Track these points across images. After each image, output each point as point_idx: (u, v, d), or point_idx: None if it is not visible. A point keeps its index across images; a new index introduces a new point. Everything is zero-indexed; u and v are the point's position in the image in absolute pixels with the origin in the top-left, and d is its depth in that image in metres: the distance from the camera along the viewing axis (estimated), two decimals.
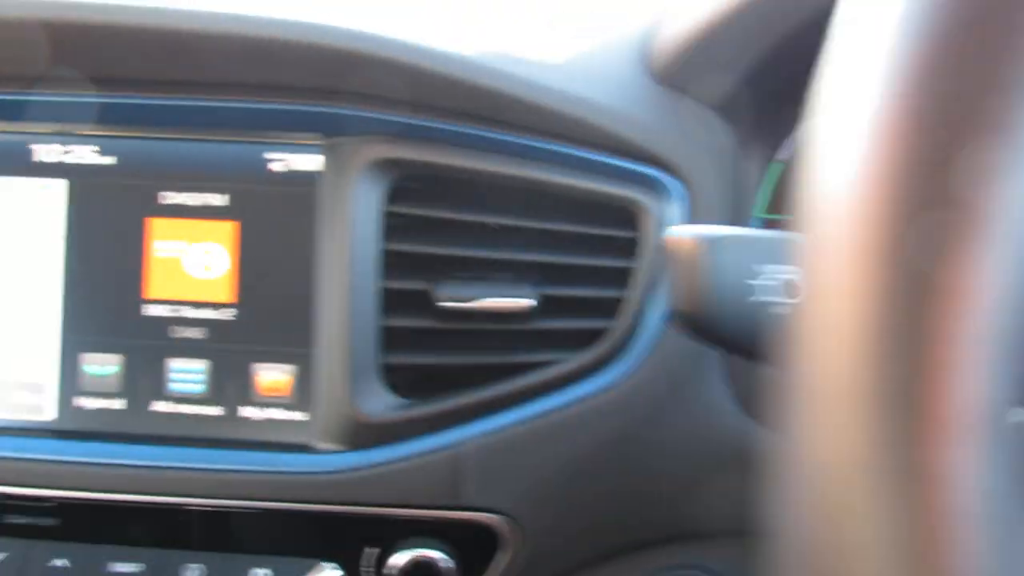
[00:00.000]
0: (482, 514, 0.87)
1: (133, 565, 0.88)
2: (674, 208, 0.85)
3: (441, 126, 0.86)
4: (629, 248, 0.87)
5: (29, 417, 0.90)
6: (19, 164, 0.91)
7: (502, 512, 0.87)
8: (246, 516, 0.88)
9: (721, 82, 0.84)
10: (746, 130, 0.87)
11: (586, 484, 0.88)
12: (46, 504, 0.88)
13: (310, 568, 0.88)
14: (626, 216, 0.87)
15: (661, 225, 0.85)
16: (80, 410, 0.90)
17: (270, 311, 0.89)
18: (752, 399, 0.88)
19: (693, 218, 0.85)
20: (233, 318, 0.89)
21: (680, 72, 0.86)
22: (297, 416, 0.89)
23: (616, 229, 0.87)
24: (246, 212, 0.89)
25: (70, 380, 0.90)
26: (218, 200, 0.90)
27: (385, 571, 0.88)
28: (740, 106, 0.85)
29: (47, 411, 0.90)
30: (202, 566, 0.88)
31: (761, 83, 0.84)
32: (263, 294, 0.89)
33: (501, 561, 0.89)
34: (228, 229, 0.89)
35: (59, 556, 0.88)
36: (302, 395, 0.89)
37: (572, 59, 0.87)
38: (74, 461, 0.88)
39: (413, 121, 0.86)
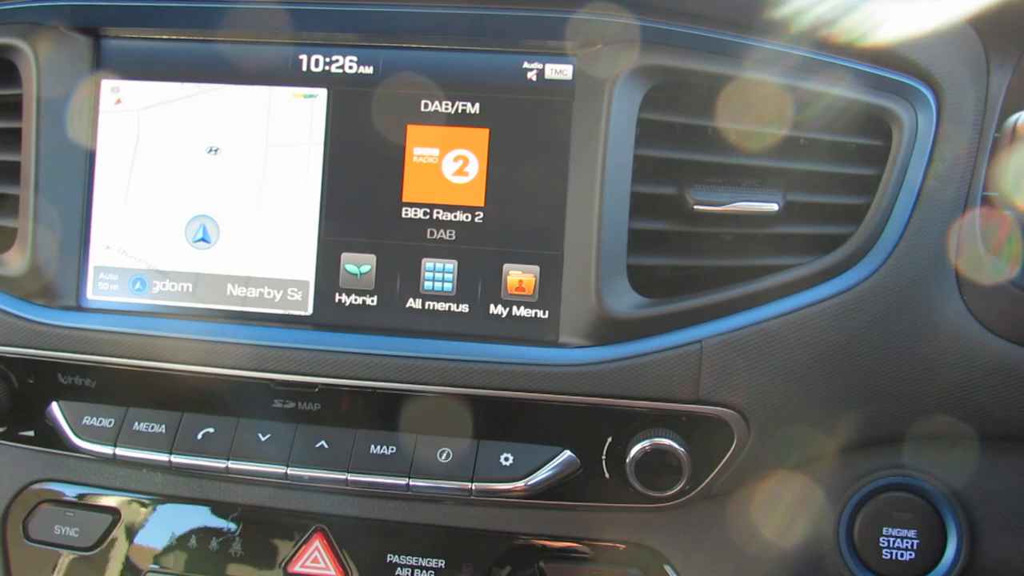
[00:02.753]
0: (716, 408, 0.92)
1: (387, 447, 0.95)
2: (924, 117, 0.89)
3: (697, 32, 0.90)
4: (877, 156, 0.90)
5: (291, 311, 0.97)
6: (286, 73, 0.97)
7: (735, 407, 0.92)
8: (493, 405, 0.94)
9: None
10: (995, 41, 0.90)
11: (816, 383, 0.93)
12: (308, 390, 0.95)
13: (550, 455, 0.94)
14: (876, 125, 0.91)
15: (912, 134, 0.88)
16: (338, 305, 0.96)
17: (518, 214, 0.95)
18: (986, 309, 0.91)
19: (941, 127, 0.88)
20: (482, 221, 0.95)
21: None
22: (540, 314, 0.95)
23: (866, 138, 0.91)
24: (497, 119, 0.95)
25: (329, 277, 0.96)
26: (471, 108, 0.95)
27: (621, 458, 0.93)
28: (993, 17, 0.88)
29: (307, 305, 0.97)
30: (449, 450, 0.94)
31: None
32: (512, 198, 0.95)
33: (729, 453, 0.94)
34: (480, 136, 0.95)
35: (321, 439, 0.95)
36: (545, 294, 0.94)
37: None
38: (332, 351, 0.94)
39: (667, 27, 0.91)
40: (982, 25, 0.90)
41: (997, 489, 0.99)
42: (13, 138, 0.99)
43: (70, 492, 1.05)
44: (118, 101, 0.99)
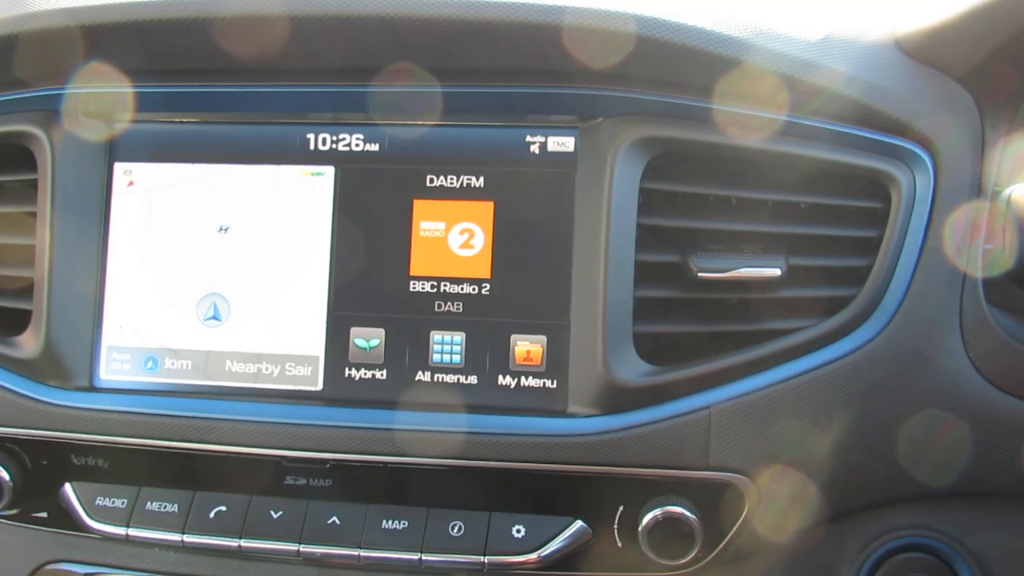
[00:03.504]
0: (727, 474, 0.92)
1: (399, 522, 0.95)
2: (923, 179, 0.90)
3: (696, 103, 0.92)
4: (877, 218, 0.91)
5: (302, 387, 0.98)
6: (294, 152, 0.99)
7: (745, 472, 0.92)
8: (504, 477, 0.94)
9: (972, 56, 0.89)
10: (989, 102, 0.91)
11: (825, 446, 0.92)
12: (320, 466, 0.96)
13: (562, 526, 0.94)
14: (875, 187, 0.92)
15: (911, 196, 0.90)
16: (348, 380, 0.97)
17: (524, 285, 0.96)
18: (993, 365, 0.91)
19: (939, 188, 0.90)
20: (489, 293, 0.96)
21: (933, 46, 0.90)
22: (548, 383, 0.95)
23: (865, 200, 0.92)
24: (502, 192, 0.96)
25: (338, 352, 0.97)
26: (475, 182, 0.97)
27: (633, 527, 0.93)
28: (985, 78, 0.90)
29: (318, 381, 0.98)
30: (461, 523, 0.94)
31: (1010, 56, 0.87)
32: (518, 270, 0.96)
33: (742, 519, 0.93)
34: (485, 209, 0.96)
35: (333, 515, 0.95)
36: (553, 364, 0.95)
37: (826, 34, 0.92)
38: (342, 426, 0.95)
39: (667, 99, 0.92)
40: (975, 85, 0.92)
41: (1014, 547, 0.99)
42: (28, 222, 1.01)
43: (84, 572, 1.05)
44: (130, 183, 1.02)
